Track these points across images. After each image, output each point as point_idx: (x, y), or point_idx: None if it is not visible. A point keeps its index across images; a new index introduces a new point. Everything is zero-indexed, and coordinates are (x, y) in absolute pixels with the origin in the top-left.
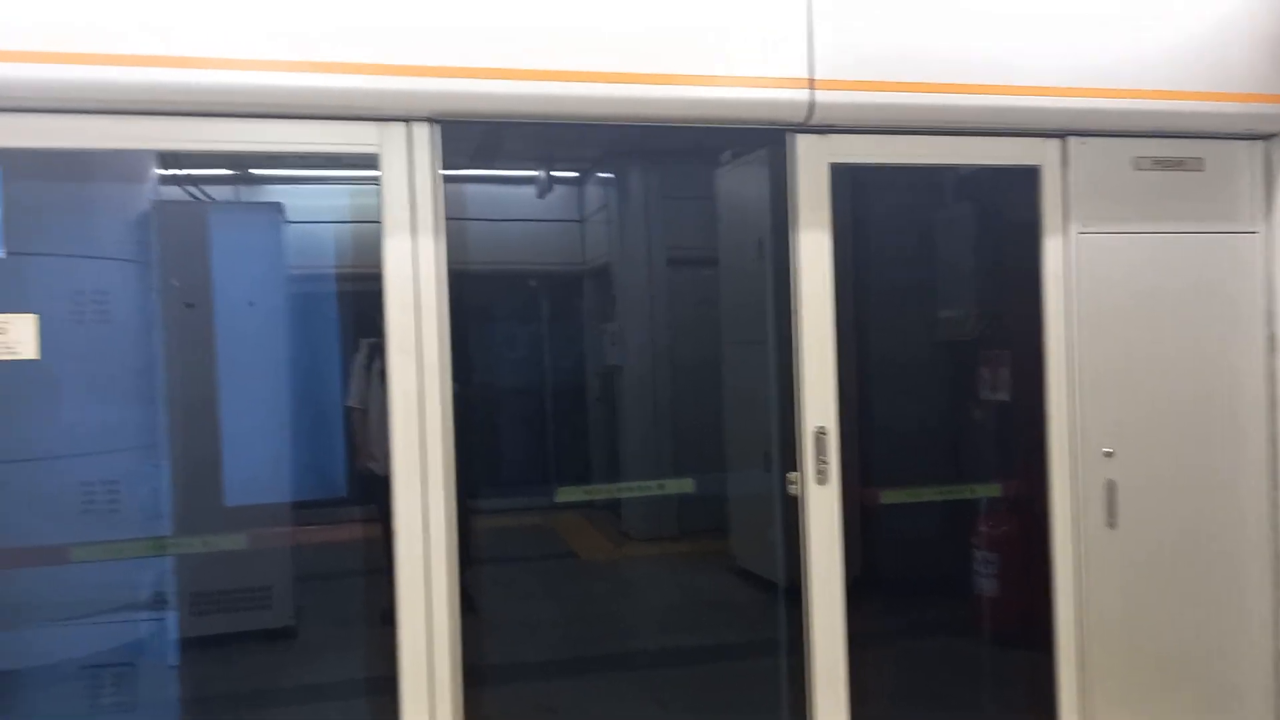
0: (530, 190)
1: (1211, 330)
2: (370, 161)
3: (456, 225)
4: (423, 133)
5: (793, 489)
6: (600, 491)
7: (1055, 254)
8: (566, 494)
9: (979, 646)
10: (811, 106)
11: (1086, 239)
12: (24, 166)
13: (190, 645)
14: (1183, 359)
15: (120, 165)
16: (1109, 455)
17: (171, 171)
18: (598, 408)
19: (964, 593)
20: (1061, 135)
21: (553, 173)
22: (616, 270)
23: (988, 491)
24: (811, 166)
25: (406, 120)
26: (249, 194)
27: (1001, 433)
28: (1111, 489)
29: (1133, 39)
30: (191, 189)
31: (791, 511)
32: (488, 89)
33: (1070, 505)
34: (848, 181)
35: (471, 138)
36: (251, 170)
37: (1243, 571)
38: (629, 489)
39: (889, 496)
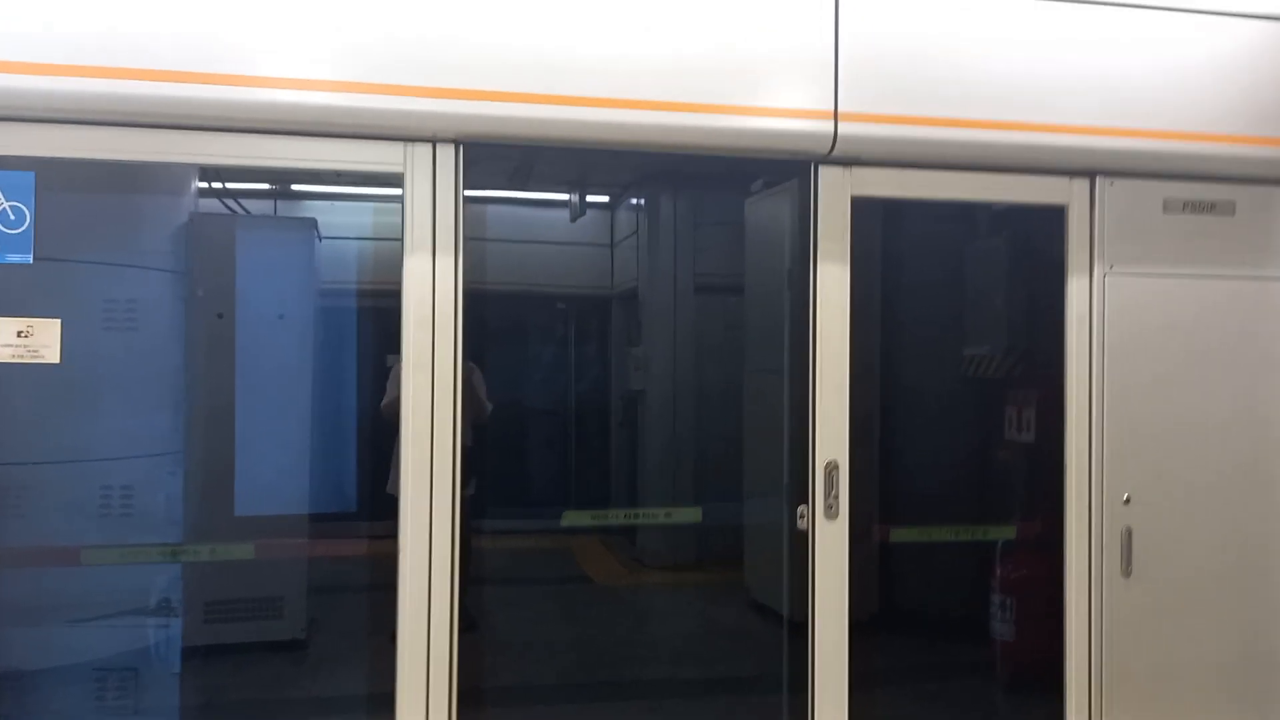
0: (563, 214)
1: (1240, 376)
2: (396, 181)
3: (487, 245)
4: (447, 154)
5: (801, 523)
6: (606, 517)
7: (1080, 295)
8: (572, 518)
9: (992, 691)
10: (835, 138)
11: (1114, 280)
12: (67, 176)
13: (201, 653)
14: (1209, 405)
15: (161, 178)
16: (1128, 502)
17: (210, 185)
18: (620, 432)
19: (980, 635)
20: (1090, 175)
21: (585, 197)
22: (644, 295)
23: (1002, 534)
24: (834, 198)
25: (432, 141)
26: (284, 209)
27: (1025, 475)
28: (1128, 536)
29: (1164, 79)
30: (229, 203)
31: (800, 546)
32: (513, 112)
33: (1085, 551)
34: (877, 212)
35: (506, 161)
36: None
37: (1265, 626)
38: (636, 516)
39: (899, 535)
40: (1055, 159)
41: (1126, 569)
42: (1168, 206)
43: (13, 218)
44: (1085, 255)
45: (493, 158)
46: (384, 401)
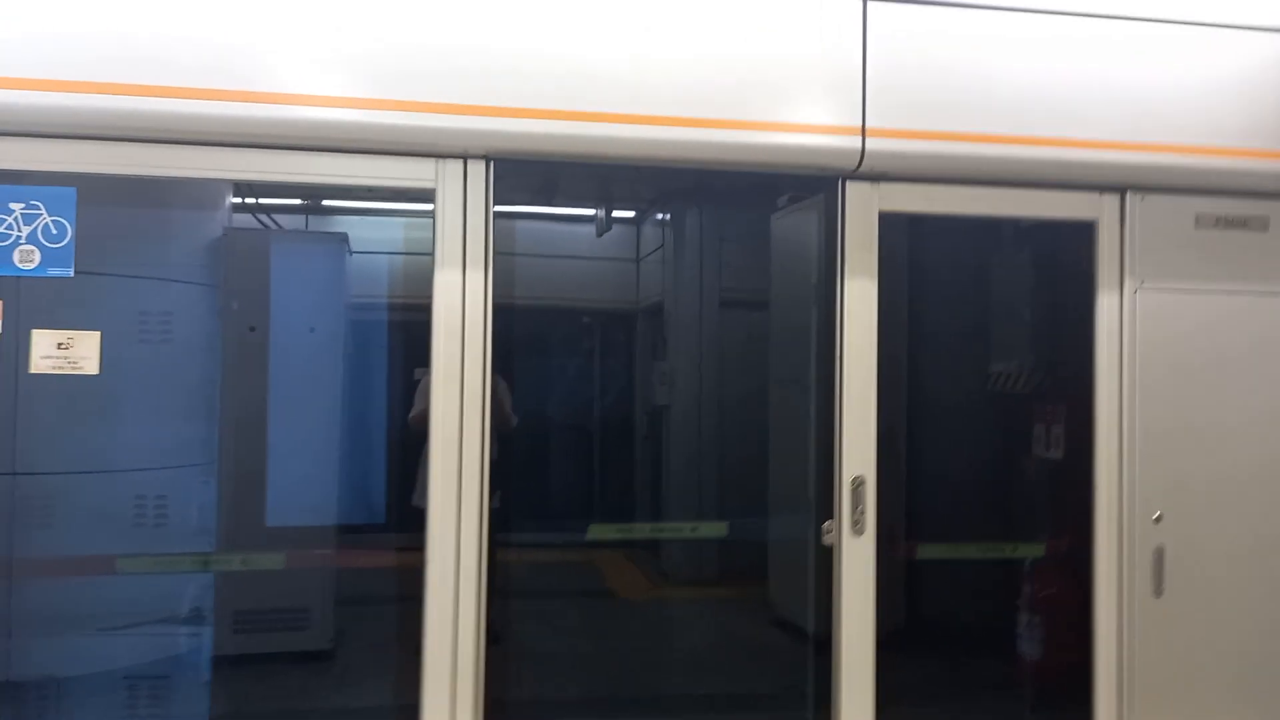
0: (589, 229)
1: (1272, 393)
2: (427, 196)
3: (515, 260)
4: (478, 170)
5: (828, 538)
6: (632, 531)
7: (1110, 311)
8: (598, 531)
9: (1019, 709)
10: (863, 154)
11: (1144, 296)
12: (105, 191)
13: (230, 662)
14: (1241, 422)
15: (197, 193)
16: (1159, 520)
17: (244, 200)
18: (645, 446)
19: (1007, 653)
20: (1120, 190)
21: (612, 212)
22: (669, 310)
23: (1031, 551)
24: (860, 214)
25: (463, 158)
26: (317, 223)
27: (1054, 492)
28: (1160, 555)
29: (1196, 94)
30: (262, 217)
31: (825, 562)
32: (542, 129)
33: (1115, 570)
34: (905, 226)
35: (534, 176)
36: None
37: None
38: (661, 530)
39: (925, 552)
40: (1085, 174)
41: (1158, 589)
42: (1199, 222)
43: (54, 232)
44: (1115, 271)
45: (522, 173)
46: (412, 414)
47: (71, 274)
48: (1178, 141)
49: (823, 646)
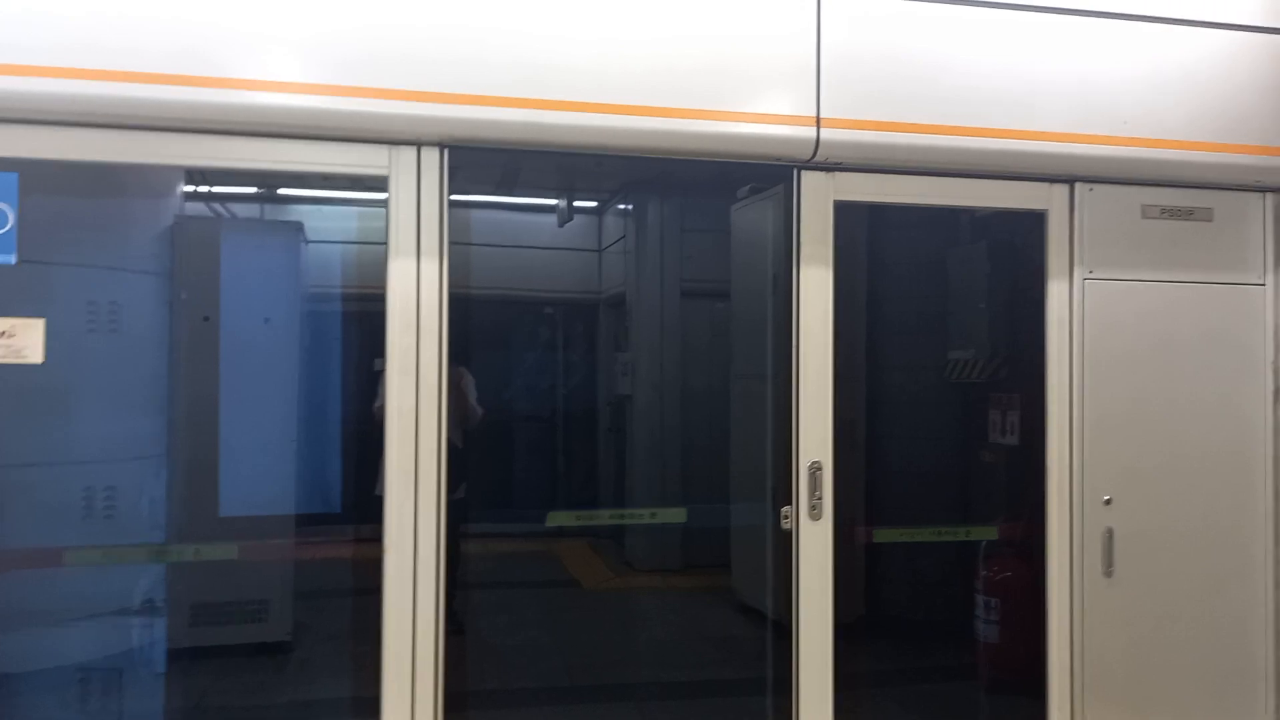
0: (550, 219)
1: (1218, 380)
2: (381, 184)
3: (474, 250)
4: (432, 157)
5: (786, 524)
6: (590, 518)
7: (1059, 299)
8: (557, 518)
9: (976, 692)
10: (817, 144)
11: (1092, 285)
12: (52, 178)
13: (187, 655)
14: (1188, 408)
15: (147, 181)
16: (1108, 503)
17: (196, 189)
18: (608, 437)
19: (966, 636)
20: (1069, 181)
21: (573, 202)
22: (631, 300)
23: (985, 534)
24: (816, 203)
25: (416, 145)
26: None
27: (1009, 477)
28: (1109, 536)
29: (1142, 87)
30: (216, 206)
31: (784, 547)
32: (497, 116)
33: (1067, 552)
34: (862, 218)
35: (492, 165)
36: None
37: (1245, 626)
38: (621, 516)
39: (882, 536)
40: (1035, 165)
41: (1108, 569)
42: (1146, 212)
43: None
44: (1065, 260)
45: (479, 163)
46: (376, 404)
47: (14, 261)
48: (1124, 133)
49: (783, 631)
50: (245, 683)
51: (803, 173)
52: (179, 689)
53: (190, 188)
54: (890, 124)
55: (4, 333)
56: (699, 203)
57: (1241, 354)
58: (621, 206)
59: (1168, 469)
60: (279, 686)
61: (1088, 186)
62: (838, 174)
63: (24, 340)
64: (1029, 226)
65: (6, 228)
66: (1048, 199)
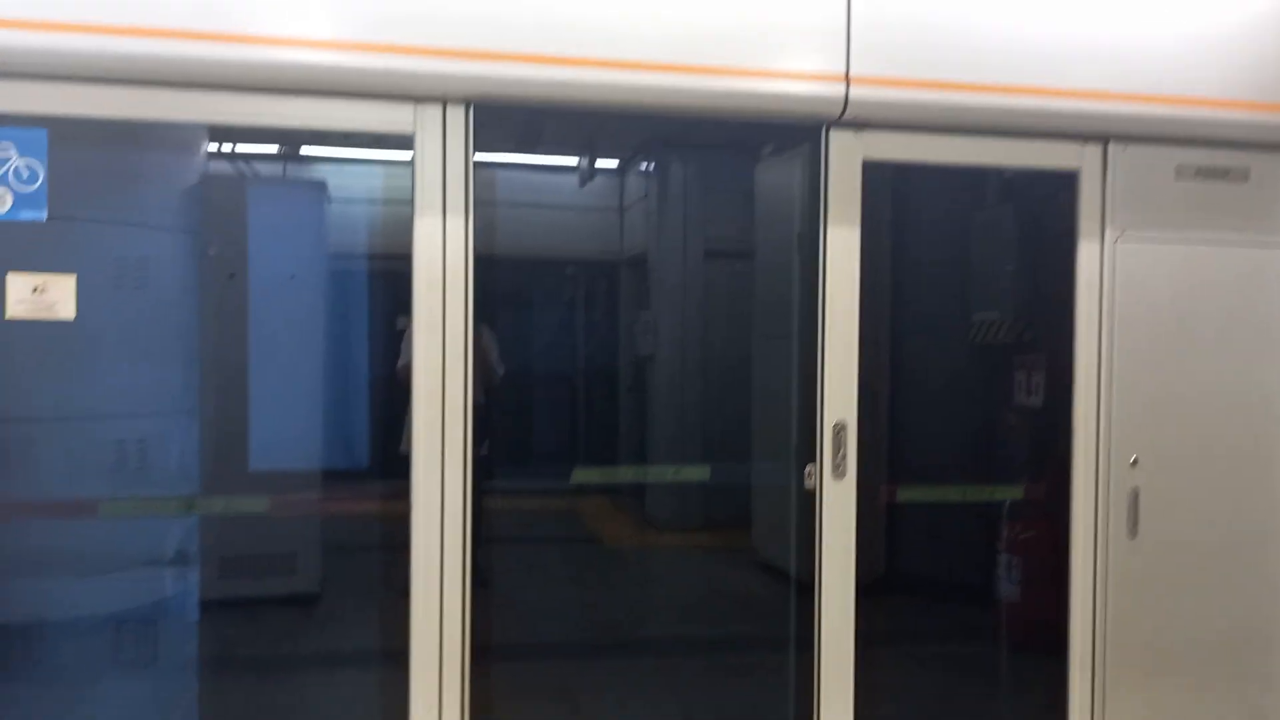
0: (572, 178)
1: (1250, 344)
2: (405, 143)
3: (498, 210)
4: (457, 115)
5: (809, 482)
6: (615, 475)
7: (1090, 260)
8: (582, 475)
9: (997, 651)
10: (846, 101)
11: (1124, 247)
12: (81, 135)
13: (218, 606)
14: (1219, 371)
15: (173, 138)
16: (1135, 463)
17: (221, 147)
18: (629, 396)
19: (986, 596)
20: (1102, 140)
21: (595, 161)
22: (653, 260)
23: (1009, 494)
24: (844, 162)
25: (442, 102)
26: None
27: (1033, 438)
28: (1135, 497)
29: (1179, 44)
30: (241, 165)
31: (807, 506)
32: (523, 73)
33: (1092, 511)
34: (889, 179)
35: (516, 123)
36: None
37: (1269, 590)
38: (644, 473)
39: (906, 494)
40: (1067, 124)
41: (1132, 530)
42: (1180, 173)
43: (26, 175)
44: (1096, 221)
45: (503, 120)
46: (400, 363)
47: (45, 218)
48: (1159, 92)
49: (805, 589)
50: (275, 633)
51: (831, 131)
52: (210, 638)
53: (215, 146)
54: (920, 81)
55: (36, 288)
56: (723, 161)
57: (1275, 317)
58: (644, 165)
59: (1196, 431)
60: (308, 637)
61: (1121, 146)
62: (866, 133)
63: (56, 296)
64: (1058, 187)
65: (37, 184)
66: (1080, 159)
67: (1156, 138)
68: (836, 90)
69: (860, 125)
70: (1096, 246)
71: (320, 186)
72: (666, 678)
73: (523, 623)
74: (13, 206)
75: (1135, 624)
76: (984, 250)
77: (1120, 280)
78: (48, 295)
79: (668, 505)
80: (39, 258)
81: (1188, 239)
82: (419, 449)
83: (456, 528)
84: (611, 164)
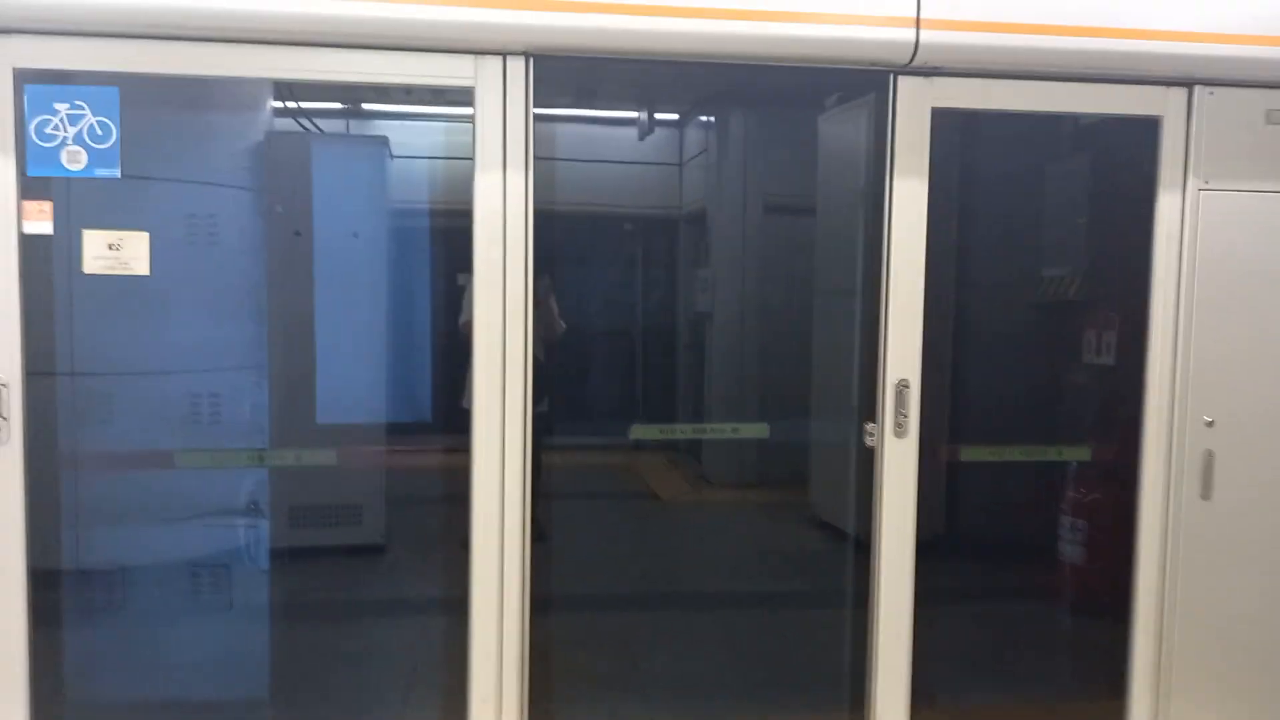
0: (632, 132)
1: None
2: (465, 96)
3: (556, 165)
4: (517, 67)
5: (870, 440)
6: (673, 431)
7: (1171, 212)
8: (640, 431)
9: (1058, 614)
10: (916, 46)
11: (1207, 197)
12: (148, 93)
13: (288, 554)
14: None
15: (237, 95)
16: (1210, 424)
17: (286, 104)
18: (687, 353)
19: (1047, 558)
20: (1188, 84)
21: (654, 114)
22: (713, 216)
23: (1076, 455)
24: (913, 110)
25: (502, 54)
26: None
27: (1103, 398)
28: (1209, 459)
29: None
30: (305, 122)
31: (867, 464)
32: (582, 23)
33: (1164, 473)
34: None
35: (575, 75)
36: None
37: None
38: (703, 430)
39: (969, 454)
40: (1151, 67)
41: (1206, 492)
42: (1270, 118)
43: (99, 133)
44: (1179, 170)
45: (562, 72)
46: (462, 319)
47: (118, 175)
48: (1250, 32)
49: (862, 547)
50: (342, 580)
51: (899, 78)
52: (280, 585)
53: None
54: (994, 24)
55: (112, 245)
56: (785, 114)
57: None
58: (703, 118)
59: (1274, 392)
60: (374, 585)
61: (1208, 90)
62: (937, 79)
63: (131, 252)
64: (1135, 135)
65: (110, 142)
66: (1163, 104)
67: (1246, 81)
68: (906, 35)
69: (930, 72)
70: (1178, 197)
71: (383, 142)
72: (722, 632)
73: (580, 576)
74: (88, 164)
75: (1205, 590)
76: (1055, 203)
77: (1202, 232)
78: (123, 252)
79: (723, 462)
80: (113, 215)
81: (1277, 189)
82: (480, 404)
83: (516, 482)
84: (672, 117)
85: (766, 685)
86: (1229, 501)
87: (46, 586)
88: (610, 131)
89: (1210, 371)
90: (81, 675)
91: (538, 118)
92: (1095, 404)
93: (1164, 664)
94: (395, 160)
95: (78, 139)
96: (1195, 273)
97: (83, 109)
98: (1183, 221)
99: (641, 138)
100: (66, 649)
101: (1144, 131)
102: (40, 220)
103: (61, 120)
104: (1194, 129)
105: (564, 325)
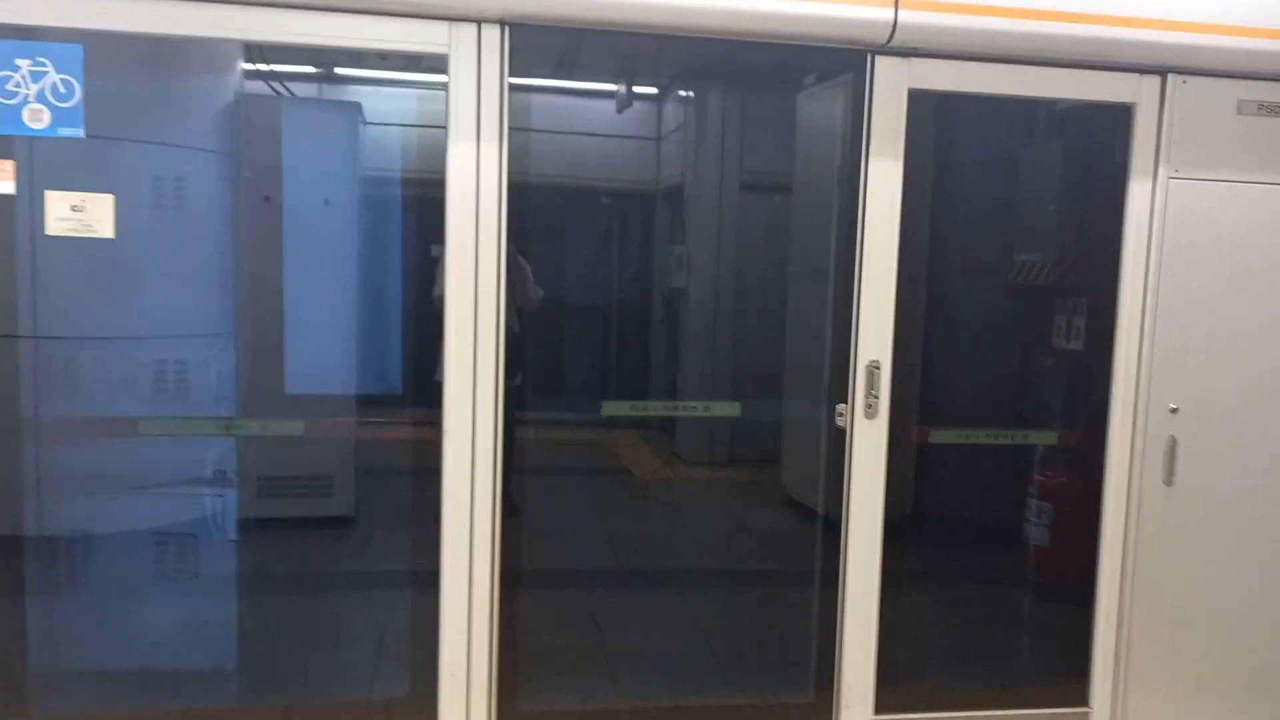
0: (609, 105)
1: None
2: (440, 64)
3: (531, 136)
4: (492, 35)
5: (840, 421)
6: (645, 408)
7: (1141, 199)
8: (612, 408)
9: (1021, 596)
10: (894, 26)
11: (1178, 185)
12: (113, 52)
13: (256, 525)
14: (1269, 319)
15: (208, 57)
16: (1174, 411)
17: (256, 67)
18: (660, 329)
19: (1012, 541)
20: (1161, 72)
21: (633, 87)
22: (690, 191)
23: (1042, 439)
24: (889, 91)
25: (477, 21)
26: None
27: (1071, 383)
28: (1172, 445)
29: None
30: (276, 86)
31: (838, 444)
32: None
33: (1127, 458)
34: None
35: (552, 45)
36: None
37: None
38: (675, 408)
39: (937, 436)
40: (1125, 54)
41: (1168, 478)
42: (1242, 108)
43: (63, 90)
44: (1150, 158)
45: (539, 41)
46: (435, 290)
47: (82, 134)
48: (1224, 21)
49: (831, 526)
50: (310, 552)
51: (877, 58)
52: (248, 556)
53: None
54: (973, 6)
55: (75, 206)
56: (762, 91)
57: None
58: (682, 93)
59: (1240, 381)
60: (343, 557)
61: (1181, 78)
62: (914, 60)
63: (95, 214)
64: (1108, 122)
65: (74, 101)
66: (1137, 91)
67: (1218, 71)
68: (884, 14)
69: (908, 52)
70: (1148, 185)
71: (355, 108)
72: (691, 609)
73: (551, 551)
74: (50, 123)
75: (1166, 574)
76: (1029, 189)
77: (1171, 220)
78: (87, 214)
79: (696, 440)
80: (77, 177)
81: (1247, 179)
82: (451, 378)
83: (487, 457)
84: (650, 90)
85: (734, 663)
86: (1190, 488)
87: (8, 553)
88: (588, 104)
89: (1176, 359)
90: (43, 644)
91: (514, 88)
92: (1063, 388)
93: (1124, 647)
94: (369, 127)
95: (40, 97)
96: (1163, 261)
97: (45, 66)
98: (1152, 209)
99: (620, 111)
100: (28, 617)
101: (1117, 119)
102: (1, 180)
103: (23, 77)
104: (1166, 117)
105: (541, 291)
